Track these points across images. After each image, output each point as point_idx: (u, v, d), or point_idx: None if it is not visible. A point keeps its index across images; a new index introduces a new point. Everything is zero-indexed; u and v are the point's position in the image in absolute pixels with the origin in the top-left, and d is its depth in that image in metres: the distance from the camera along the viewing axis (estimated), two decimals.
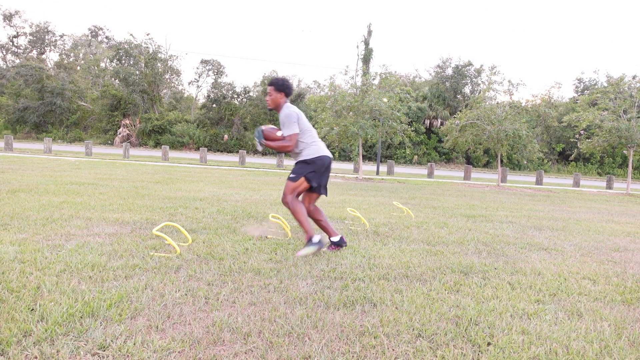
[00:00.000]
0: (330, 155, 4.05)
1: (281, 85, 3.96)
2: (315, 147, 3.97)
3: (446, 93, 37.79)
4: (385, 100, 15.33)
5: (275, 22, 79.38)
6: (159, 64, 37.66)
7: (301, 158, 3.97)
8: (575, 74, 59.50)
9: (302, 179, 3.91)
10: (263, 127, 4.04)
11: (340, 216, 6.18)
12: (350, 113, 15.46)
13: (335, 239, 4.08)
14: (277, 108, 3.99)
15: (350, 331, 2.30)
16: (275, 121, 33.04)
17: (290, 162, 26.79)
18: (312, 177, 3.94)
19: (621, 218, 8.37)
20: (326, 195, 4.21)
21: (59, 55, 45.27)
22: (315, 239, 3.83)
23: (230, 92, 37.76)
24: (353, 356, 2.05)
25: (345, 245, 4.13)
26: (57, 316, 2.23)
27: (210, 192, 8.38)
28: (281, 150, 3.88)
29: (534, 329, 2.46)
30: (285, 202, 3.92)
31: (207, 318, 2.36)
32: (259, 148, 4.05)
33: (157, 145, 35.27)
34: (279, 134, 3.98)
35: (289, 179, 3.93)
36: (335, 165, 27.34)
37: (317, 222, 4.15)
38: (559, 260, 4.28)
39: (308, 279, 3.16)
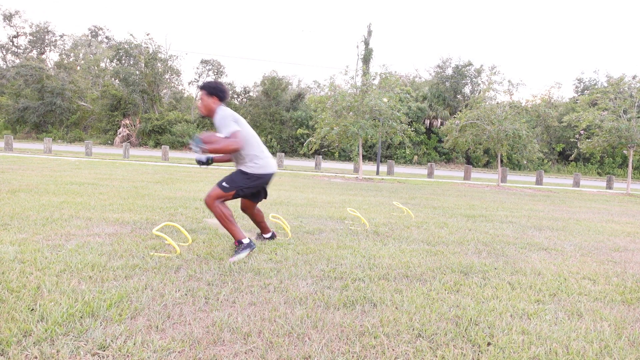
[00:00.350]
0: (275, 169, 3.83)
1: (213, 89, 3.62)
2: (262, 161, 3.70)
3: (446, 93, 37.80)
4: (385, 100, 15.33)
5: (275, 22, 79.40)
6: (159, 64, 37.66)
7: (243, 168, 3.68)
8: (575, 74, 59.49)
9: (234, 192, 3.63)
10: (199, 135, 3.56)
11: (340, 216, 6.18)
12: (350, 113, 15.46)
13: (268, 234, 4.29)
14: (209, 114, 3.61)
15: (350, 331, 2.30)
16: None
17: (290, 162, 26.77)
18: (246, 192, 3.72)
19: (621, 218, 8.37)
20: (265, 198, 4.08)
21: (59, 55, 45.28)
22: (245, 241, 3.66)
23: (230, 92, 37.76)
24: (353, 356, 2.05)
25: (275, 237, 4.35)
26: (57, 316, 2.23)
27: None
28: (228, 151, 3.38)
29: (534, 329, 2.46)
30: (208, 204, 3.59)
31: (207, 318, 2.36)
32: (202, 158, 3.58)
33: (157, 145, 35.29)
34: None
35: (220, 186, 3.59)
36: (335, 165, 27.34)
37: (259, 223, 4.21)
38: (559, 260, 4.28)
39: (308, 279, 3.16)
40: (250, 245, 3.66)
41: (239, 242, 3.64)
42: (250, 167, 3.66)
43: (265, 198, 4.06)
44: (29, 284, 2.69)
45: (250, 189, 3.71)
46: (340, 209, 7.00)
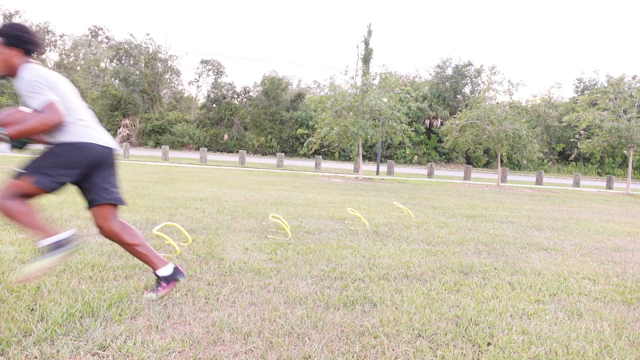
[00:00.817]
0: (109, 145, 2.56)
1: (13, 37, 2.39)
2: (78, 127, 2.46)
3: (446, 93, 37.82)
4: (385, 100, 15.34)
5: (275, 22, 79.37)
6: (159, 64, 37.67)
7: (54, 139, 2.46)
8: (575, 74, 59.55)
9: (36, 178, 2.49)
10: None
11: (340, 216, 6.18)
12: (350, 113, 15.46)
13: (164, 271, 2.63)
14: (11, 73, 2.44)
15: (350, 331, 2.30)
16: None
17: (290, 162, 26.77)
18: (57, 174, 2.48)
19: (621, 218, 8.38)
20: (124, 204, 2.65)
21: (59, 55, 45.30)
22: (59, 237, 2.53)
23: (230, 92, 37.78)
24: (353, 356, 2.05)
25: (183, 277, 2.72)
26: (57, 316, 2.23)
27: (210, 192, 8.38)
28: (43, 130, 2.31)
29: (534, 329, 2.46)
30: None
31: (207, 318, 2.36)
32: (5, 146, 2.43)
33: (157, 145, 35.29)
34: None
35: (17, 176, 2.48)
36: (335, 165, 27.33)
37: (133, 250, 2.60)
38: (559, 260, 4.28)
39: (308, 279, 3.16)
40: (67, 243, 2.50)
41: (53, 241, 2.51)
42: (67, 135, 2.43)
43: (122, 203, 2.62)
44: (29, 284, 2.69)
45: (64, 169, 2.48)
46: (340, 209, 7.00)
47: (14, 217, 2.52)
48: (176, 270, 2.67)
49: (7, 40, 2.40)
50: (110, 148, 2.56)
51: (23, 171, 2.49)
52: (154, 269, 2.63)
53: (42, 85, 2.35)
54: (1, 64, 2.43)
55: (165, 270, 2.63)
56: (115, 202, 2.57)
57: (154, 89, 37.56)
